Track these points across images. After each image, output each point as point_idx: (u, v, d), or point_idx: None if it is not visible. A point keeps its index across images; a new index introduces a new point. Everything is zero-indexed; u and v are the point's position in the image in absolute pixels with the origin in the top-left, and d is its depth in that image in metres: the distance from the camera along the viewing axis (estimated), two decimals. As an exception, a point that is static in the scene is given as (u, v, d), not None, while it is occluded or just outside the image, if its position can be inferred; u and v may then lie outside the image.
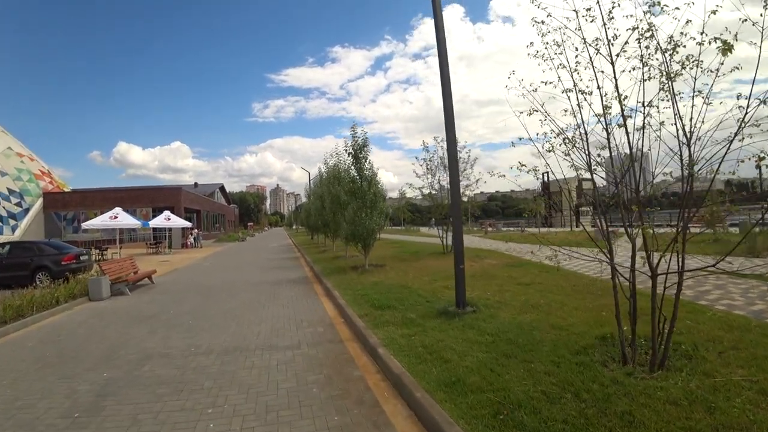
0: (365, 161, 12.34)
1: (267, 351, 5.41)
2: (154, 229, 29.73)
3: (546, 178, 38.74)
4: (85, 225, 22.52)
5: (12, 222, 30.14)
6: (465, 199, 15.93)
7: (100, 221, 21.15)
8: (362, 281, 9.79)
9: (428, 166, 15.69)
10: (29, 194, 32.73)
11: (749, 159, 3.16)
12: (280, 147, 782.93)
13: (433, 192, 16.14)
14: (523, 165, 4.30)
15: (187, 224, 29.76)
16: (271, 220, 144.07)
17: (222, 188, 70.87)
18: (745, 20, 3.07)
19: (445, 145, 14.79)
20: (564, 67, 4.05)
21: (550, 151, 4.19)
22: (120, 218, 21.08)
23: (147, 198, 35.15)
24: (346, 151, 12.66)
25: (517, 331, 5.10)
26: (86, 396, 4.24)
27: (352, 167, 12.61)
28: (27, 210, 31.98)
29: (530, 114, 4.20)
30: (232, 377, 4.55)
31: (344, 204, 12.94)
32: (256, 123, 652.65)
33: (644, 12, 3.57)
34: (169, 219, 26.66)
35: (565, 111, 4.08)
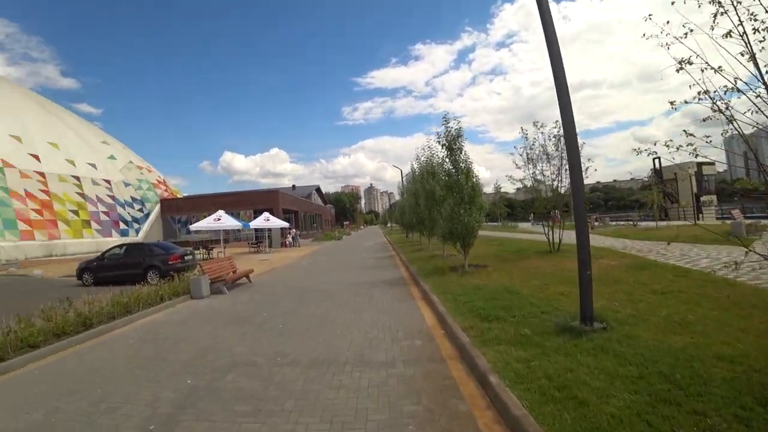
0: (460, 153, 11.22)
1: (358, 367, 4.67)
2: (256, 230, 31.35)
3: (658, 165, 34.00)
4: (192, 227, 24.34)
5: (136, 225, 35.25)
6: (563, 191, 13.73)
7: (206, 223, 22.60)
8: (463, 284, 8.74)
9: (528, 156, 14.11)
10: (149, 201, 38.03)
11: None
12: (371, 148, 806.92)
13: (535, 184, 14.46)
14: (690, 134, 3.62)
15: (285, 224, 30.89)
16: (366, 219, 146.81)
17: (318, 189, 73.63)
18: None
19: (547, 130, 13.37)
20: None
21: (706, 120, 3.57)
22: (222, 220, 22.32)
23: (248, 201, 37.54)
24: (439, 143, 11.64)
25: (671, 361, 3.75)
26: (166, 405, 3.98)
27: (447, 160, 11.57)
28: (147, 215, 37.13)
29: (678, 70, 3.58)
30: (316, 399, 3.89)
31: (440, 200, 11.98)
32: (347, 126, 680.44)
33: None
34: (268, 220, 27.84)
35: (742, 54, 3.26)
